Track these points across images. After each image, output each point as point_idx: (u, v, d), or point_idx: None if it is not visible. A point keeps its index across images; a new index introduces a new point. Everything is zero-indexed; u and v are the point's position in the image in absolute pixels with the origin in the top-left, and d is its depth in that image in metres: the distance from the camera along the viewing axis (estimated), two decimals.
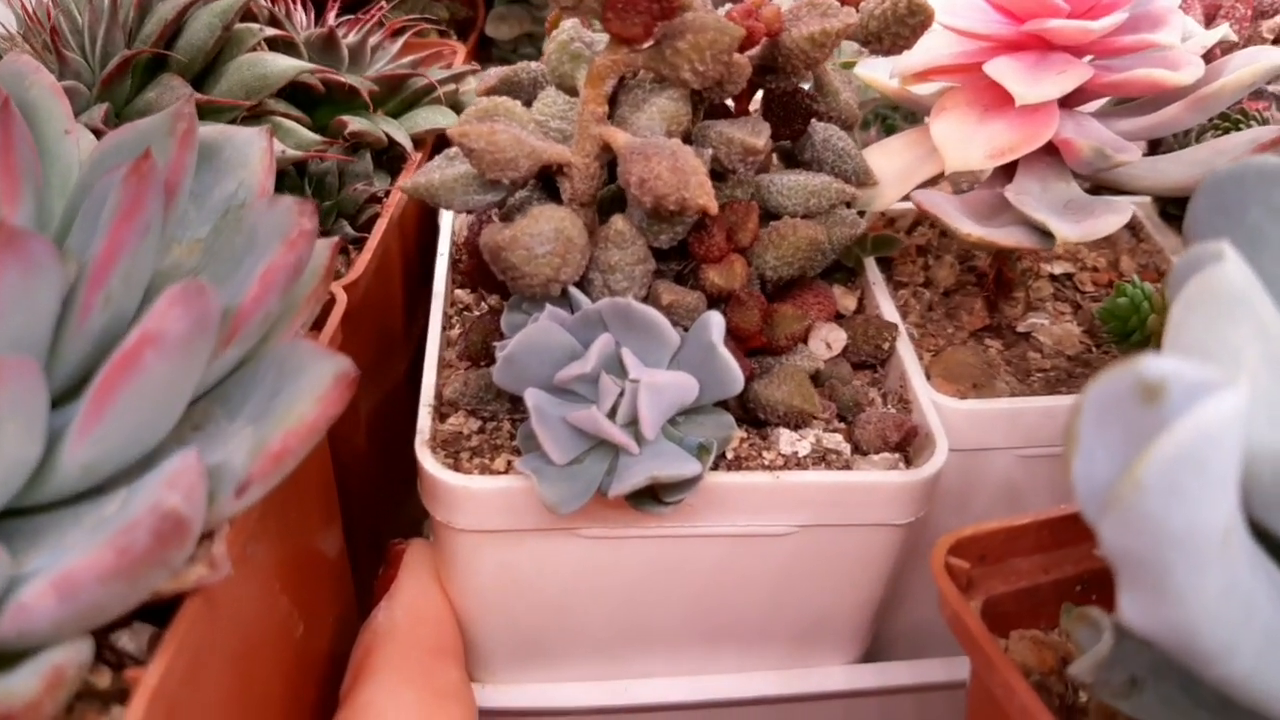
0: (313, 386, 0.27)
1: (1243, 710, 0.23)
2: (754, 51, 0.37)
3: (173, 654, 0.26)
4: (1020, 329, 0.45)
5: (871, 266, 0.46)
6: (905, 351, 0.41)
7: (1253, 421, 0.22)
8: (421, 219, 0.56)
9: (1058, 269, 0.48)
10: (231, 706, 0.32)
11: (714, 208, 0.32)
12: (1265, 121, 0.47)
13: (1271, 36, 0.52)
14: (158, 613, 0.28)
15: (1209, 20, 0.52)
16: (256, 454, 0.26)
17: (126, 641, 0.27)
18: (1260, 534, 0.23)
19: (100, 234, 0.27)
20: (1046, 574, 0.33)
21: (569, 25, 0.38)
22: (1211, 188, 0.27)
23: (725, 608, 0.40)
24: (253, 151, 0.34)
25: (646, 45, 0.33)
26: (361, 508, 0.49)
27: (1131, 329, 0.41)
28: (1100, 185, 0.42)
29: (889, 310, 0.43)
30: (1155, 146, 0.49)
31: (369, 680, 0.37)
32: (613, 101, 0.36)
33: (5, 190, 0.29)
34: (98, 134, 0.38)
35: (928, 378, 0.41)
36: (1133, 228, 0.50)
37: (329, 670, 0.41)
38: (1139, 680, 0.26)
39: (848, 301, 0.44)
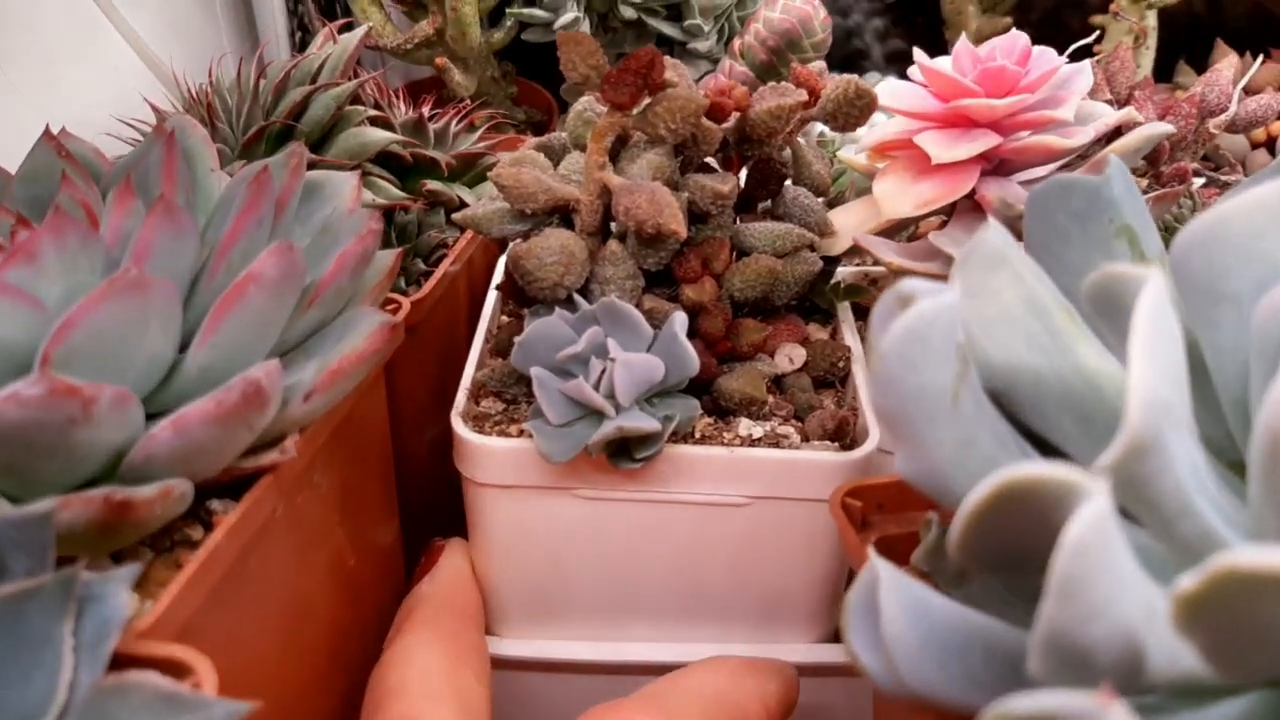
0: (364, 330, 0.38)
1: None
2: (730, 125, 0.48)
3: (248, 508, 0.36)
4: None
5: (845, 309, 0.55)
6: (859, 371, 0.50)
7: (1012, 347, 0.30)
8: (485, 273, 0.67)
9: None
10: (286, 590, 0.41)
11: (683, 232, 0.42)
12: (1194, 200, 0.55)
13: (1218, 131, 0.60)
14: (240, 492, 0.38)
15: (1161, 117, 0.60)
16: (320, 372, 0.36)
17: (216, 505, 0.37)
18: (1034, 440, 0.31)
19: (228, 222, 0.39)
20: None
21: (584, 100, 0.49)
22: (1033, 199, 0.35)
23: (698, 574, 0.48)
24: (345, 188, 0.46)
25: (635, 111, 0.44)
26: (421, 521, 0.57)
27: None
28: None
29: (852, 341, 0.52)
30: None
31: (409, 631, 0.46)
32: (615, 158, 0.46)
33: (167, 187, 0.41)
34: None
35: None
36: None
37: (376, 634, 0.50)
38: (966, 572, 0.34)
39: (820, 335, 0.53)
